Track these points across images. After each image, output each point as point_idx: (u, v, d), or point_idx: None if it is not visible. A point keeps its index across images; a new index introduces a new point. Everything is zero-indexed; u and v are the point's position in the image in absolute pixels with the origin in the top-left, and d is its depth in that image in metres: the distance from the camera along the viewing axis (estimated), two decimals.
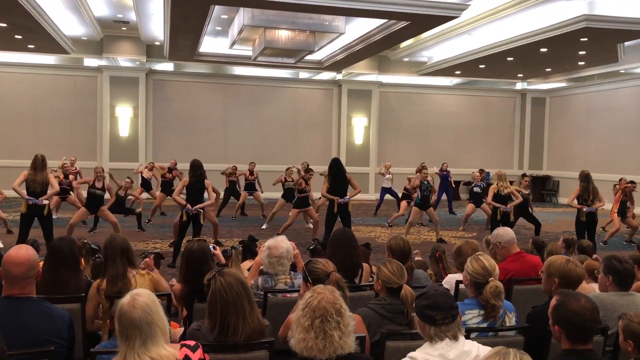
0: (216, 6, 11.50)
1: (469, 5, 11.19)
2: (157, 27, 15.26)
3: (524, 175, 14.36)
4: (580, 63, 16.32)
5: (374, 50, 15.00)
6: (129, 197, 12.73)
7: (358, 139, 20.32)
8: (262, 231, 12.03)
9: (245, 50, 15.74)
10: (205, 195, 8.93)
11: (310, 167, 13.23)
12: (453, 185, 16.77)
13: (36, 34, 13.71)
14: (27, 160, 8.48)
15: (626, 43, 14.17)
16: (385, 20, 12.14)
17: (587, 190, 9.24)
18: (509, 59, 15.51)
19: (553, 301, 2.73)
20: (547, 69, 17.79)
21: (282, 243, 4.11)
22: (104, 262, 4.13)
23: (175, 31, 13.09)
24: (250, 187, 14.59)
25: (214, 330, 2.79)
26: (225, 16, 13.24)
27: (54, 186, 8.29)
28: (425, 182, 11.51)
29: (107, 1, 13.81)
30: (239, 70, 19.77)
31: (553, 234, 12.33)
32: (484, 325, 3.28)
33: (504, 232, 4.82)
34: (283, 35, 13.10)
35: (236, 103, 19.69)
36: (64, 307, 3.32)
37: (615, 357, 3.32)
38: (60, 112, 18.37)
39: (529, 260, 4.72)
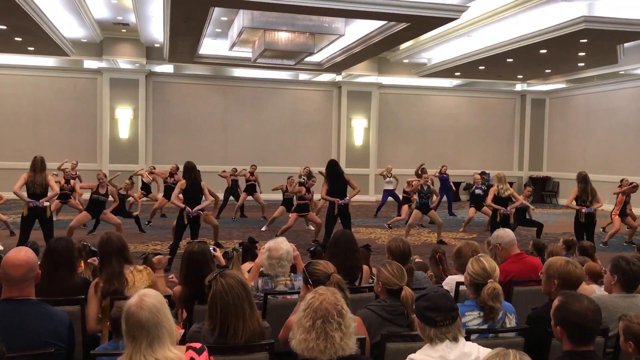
0: (216, 8, 11.52)
1: (469, 6, 11.19)
2: (156, 29, 15.27)
3: (526, 185, 14.37)
4: (580, 64, 16.34)
5: (374, 51, 15.01)
6: (129, 198, 12.71)
7: (358, 140, 20.32)
8: (262, 233, 12.03)
9: (245, 52, 15.76)
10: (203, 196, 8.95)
11: (311, 172, 13.21)
12: (453, 188, 16.76)
13: (36, 36, 13.72)
14: (27, 162, 8.47)
15: (626, 44, 14.19)
16: (384, 22, 12.15)
17: (585, 191, 9.26)
18: (508, 60, 15.52)
19: (556, 302, 2.72)
20: (546, 70, 17.81)
21: (282, 245, 4.10)
22: (100, 262, 4.12)
23: (175, 33, 13.10)
24: (251, 188, 14.56)
25: (214, 332, 2.78)
26: (225, 18, 13.25)
27: (54, 188, 8.29)
28: (425, 188, 11.49)
29: (107, 3, 13.82)
30: (238, 72, 19.77)
31: (553, 235, 12.32)
32: (484, 326, 3.27)
33: (504, 234, 4.82)
34: (283, 37, 13.11)
35: (236, 105, 19.69)
36: (63, 309, 3.31)
37: (615, 359, 3.31)
38: (60, 114, 18.37)
39: (529, 262, 4.72)
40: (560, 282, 3.44)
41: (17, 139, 17.72)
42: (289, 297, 3.93)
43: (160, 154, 18.63)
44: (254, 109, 19.80)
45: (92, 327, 3.80)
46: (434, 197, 11.71)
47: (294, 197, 12.01)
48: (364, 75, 19.67)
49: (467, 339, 2.83)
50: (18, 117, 18.03)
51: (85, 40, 17.13)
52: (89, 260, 5.11)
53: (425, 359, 2.56)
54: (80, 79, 18.70)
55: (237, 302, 2.75)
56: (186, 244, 4.58)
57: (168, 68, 19.31)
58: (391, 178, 15.49)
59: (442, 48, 16.31)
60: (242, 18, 12.07)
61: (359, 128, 20.30)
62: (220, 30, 14.44)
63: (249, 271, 4.66)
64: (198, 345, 2.44)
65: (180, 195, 8.79)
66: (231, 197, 14.86)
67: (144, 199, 14.47)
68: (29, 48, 15.41)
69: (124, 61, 18.22)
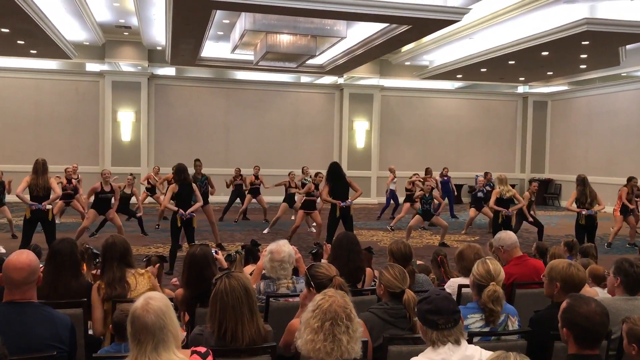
0: (218, 11, 11.54)
1: (470, 9, 11.20)
2: (158, 32, 15.30)
3: (532, 180, 14.37)
4: (581, 66, 16.33)
5: (376, 54, 15.02)
6: (132, 195, 12.61)
7: (360, 142, 20.32)
8: (264, 235, 12.02)
9: (247, 55, 15.78)
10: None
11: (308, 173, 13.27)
12: (455, 191, 16.68)
13: (38, 39, 13.76)
14: (29, 165, 8.48)
15: (628, 46, 14.18)
16: (386, 25, 12.16)
17: (584, 194, 9.28)
18: (510, 62, 15.52)
19: (563, 304, 2.72)
20: (548, 73, 17.80)
21: (284, 247, 4.10)
22: (102, 265, 4.11)
23: (177, 36, 13.12)
24: (255, 191, 14.45)
25: (215, 335, 2.78)
26: (227, 21, 13.27)
27: (56, 190, 8.31)
28: (427, 195, 11.46)
29: (109, 6, 13.85)
30: (240, 75, 19.81)
31: (555, 237, 12.30)
32: (487, 329, 3.27)
33: (507, 236, 4.81)
34: (284, 39, 13.12)
35: (238, 107, 19.71)
36: (65, 311, 3.31)
37: None
38: (63, 117, 18.40)
39: (532, 264, 4.71)
40: (563, 284, 3.43)
41: (20, 141, 17.75)
42: (291, 299, 3.92)
43: (162, 157, 18.64)
44: (256, 112, 19.81)
45: (100, 330, 3.80)
46: (435, 201, 11.67)
47: (296, 194, 12.08)
48: (365, 77, 19.68)
49: (470, 341, 2.83)
50: (20, 120, 18.06)
51: (88, 43, 17.17)
52: (92, 272, 5.09)
53: None
54: (82, 81, 18.73)
55: (235, 305, 2.75)
56: (188, 247, 4.58)
57: (170, 71, 19.35)
58: (395, 180, 15.48)
59: (443, 50, 16.32)
60: (244, 21, 12.09)
61: (361, 130, 20.30)
62: (222, 33, 14.46)
63: (251, 274, 4.65)
64: (203, 349, 2.44)
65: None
66: (237, 199, 14.82)
67: (148, 200, 14.45)
68: (32, 51, 15.45)
69: (126, 64, 18.26)
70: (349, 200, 9.40)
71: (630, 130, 17.76)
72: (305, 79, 20.52)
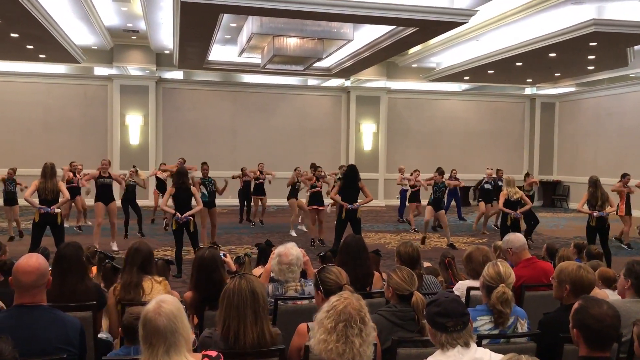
0: (225, 14, 11.56)
1: (477, 11, 11.17)
2: (166, 35, 15.36)
3: (528, 174, 14.34)
4: (589, 67, 16.26)
5: (382, 56, 15.01)
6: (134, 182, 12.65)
7: (367, 145, 20.31)
8: (276, 238, 11.97)
9: (254, 58, 15.81)
10: (194, 202, 8.95)
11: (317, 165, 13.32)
12: (459, 192, 16.63)
13: (47, 44, 13.85)
14: (39, 168, 8.53)
15: (636, 47, 14.10)
16: (393, 27, 12.16)
17: (595, 196, 9.21)
18: (517, 64, 15.48)
19: (575, 305, 2.71)
20: (556, 74, 17.74)
21: (292, 250, 4.11)
22: (122, 267, 4.16)
23: (185, 40, 13.16)
24: (259, 190, 14.24)
25: (226, 339, 2.79)
26: (234, 24, 13.30)
27: (65, 194, 8.34)
28: (440, 183, 11.78)
29: (117, 10, 13.92)
30: (247, 78, 19.84)
31: (564, 239, 12.24)
32: (496, 331, 3.26)
33: (515, 238, 4.79)
34: (291, 42, 13.14)
35: (245, 110, 19.75)
36: (75, 314, 3.33)
37: None
38: (71, 120, 18.49)
39: (541, 267, 4.70)
40: (572, 287, 3.41)
41: (29, 145, 17.85)
42: (299, 302, 3.92)
43: (170, 160, 18.62)
44: (262, 115, 19.84)
45: (116, 332, 3.83)
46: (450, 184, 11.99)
47: (306, 189, 12.28)
48: (372, 80, 19.67)
49: (479, 344, 2.82)
50: (29, 124, 18.16)
51: (96, 48, 17.26)
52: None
53: None
54: (90, 85, 18.83)
55: (240, 306, 2.77)
56: (196, 250, 4.59)
57: (178, 74, 19.41)
58: (405, 180, 15.42)
59: (450, 52, 16.29)
60: (251, 24, 12.12)
61: (368, 133, 20.29)
62: (229, 36, 14.50)
63: (259, 276, 4.66)
64: (214, 353, 2.44)
65: (171, 202, 8.75)
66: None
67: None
68: (41, 55, 15.55)
69: (134, 68, 18.34)
70: (357, 203, 9.39)
71: (639, 131, 17.66)
72: (312, 81, 20.53)
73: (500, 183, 13.45)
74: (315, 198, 11.83)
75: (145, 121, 18.72)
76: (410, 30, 11.75)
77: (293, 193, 12.96)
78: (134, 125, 18.65)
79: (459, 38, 14.45)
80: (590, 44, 12.70)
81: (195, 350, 2.40)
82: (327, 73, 17.66)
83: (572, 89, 20.51)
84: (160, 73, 18.91)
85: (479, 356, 2.59)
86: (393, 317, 3.29)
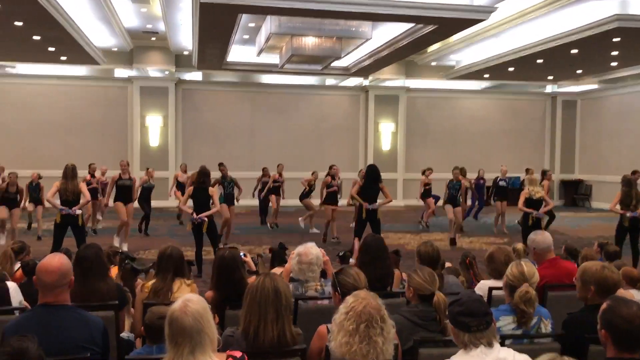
0: (243, 15, 11.60)
1: (497, 7, 11.07)
2: (185, 37, 15.46)
3: (544, 172, 14.25)
4: (612, 64, 16.02)
5: (401, 55, 14.95)
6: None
7: (385, 144, 20.24)
8: (296, 238, 11.97)
9: (273, 58, 15.84)
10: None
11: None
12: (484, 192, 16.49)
13: (68, 46, 14.02)
14: (60, 170, 8.62)
15: None
16: (412, 25, 12.09)
17: (629, 195, 8.98)
18: (538, 61, 15.31)
19: (603, 305, 2.67)
20: (578, 71, 17.50)
21: (311, 249, 4.11)
22: (155, 272, 4.18)
23: (204, 41, 13.24)
24: (275, 191, 14.17)
25: (246, 336, 2.81)
26: (253, 24, 13.34)
27: (86, 195, 8.43)
28: (454, 181, 12.01)
29: (137, 12, 14.04)
30: (266, 79, 19.89)
31: (587, 239, 12.07)
32: (519, 331, 3.22)
33: (541, 238, 4.71)
34: (310, 42, 13.14)
35: (263, 111, 19.80)
36: (97, 314, 3.35)
37: None
38: (92, 122, 18.70)
39: (564, 267, 4.63)
40: (597, 287, 3.36)
41: (50, 147, 18.08)
42: (319, 302, 3.91)
43: (189, 161, 18.75)
44: (281, 115, 19.87)
45: (139, 330, 3.87)
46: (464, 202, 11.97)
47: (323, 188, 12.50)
48: (391, 78, 19.60)
49: (502, 344, 2.78)
50: (51, 126, 18.41)
51: (116, 49, 17.44)
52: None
53: None
54: (111, 87, 19.03)
55: (262, 303, 2.80)
56: (217, 250, 4.62)
57: (197, 75, 19.53)
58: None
59: (470, 50, 16.17)
60: (269, 24, 12.14)
61: (387, 132, 20.22)
62: (247, 36, 14.54)
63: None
64: (238, 354, 2.44)
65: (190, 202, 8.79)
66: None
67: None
68: (62, 58, 15.74)
69: (154, 69, 18.49)
70: (376, 203, 9.35)
71: None
72: (330, 81, 20.51)
73: (509, 180, 13.63)
74: (331, 198, 12.21)
75: (165, 122, 18.87)
76: (429, 28, 11.68)
77: (307, 195, 13.29)
78: (154, 126, 18.80)
79: (479, 35, 14.33)
80: (614, 39, 12.51)
81: (219, 351, 2.40)
82: (346, 72, 17.64)
83: (595, 86, 20.23)
84: (180, 74, 19.04)
85: (503, 356, 2.57)
86: (414, 317, 3.27)
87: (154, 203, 13.74)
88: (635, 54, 14.31)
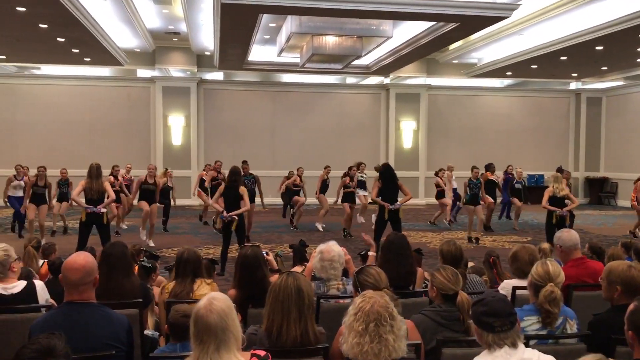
0: (264, 15, 11.63)
1: (520, 4, 10.95)
2: (207, 37, 15.55)
3: (560, 169, 14.09)
4: (638, 60, 15.73)
5: (422, 53, 14.85)
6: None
7: (407, 143, 20.15)
8: (317, 236, 12.01)
9: (293, 58, 15.86)
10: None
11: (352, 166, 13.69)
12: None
13: (92, 47, 14.20)
14: (84, 169, 8.74)
15: None
16: (433, 23, 12.01)
17: None
18: (562, 58, 15.10)
19: (631, 306, 2.62)
20: (603, 68, 17.23)
21: (333, 247, 4.12)
22: (174, 276, 4.22)
23: (225, 41, 13.30)
24: (296, 194, 14.09)
25: (269, 335, 2.82)
26: (273, 24, 13.37)
27: (111, 194, 8.52)
28: (475, 180, 12.16)
29: (159, 13, 14.17)
30: (286, 78, 19.94)
31: (612, 237, 11.90)
32: (544, 332, 3.18)
33: (568, 236, 4.62)
34: (330, 41, 13.14)
35: (284, 110, 19.85)
36: (122, 312, 3.39)
37: None
38: (115, 122, 18.94)
39: (591, 267, 4.53)
40: (624, 287, 3.29)
41: (75, 146, 18.35)
42: (341, 301, 3.91)
43: (211, 160, 18.77)
44: (301, 114, 19.91)
45: (164, 330, 3.91)
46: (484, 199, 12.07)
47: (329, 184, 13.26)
48: (412, 77, 19.50)
49: (526, 344, 2.75)
50: (75, 126, 18.68)
51: (138, 50, 17.61)
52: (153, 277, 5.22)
53: None
54: (134, 87, 19.24)
55: (284, 302, 2.82)
56: (239, 248, 4.64)
57: (218, 75, 19.64)
58: (454, 179, 15.16)
59: (492, 47, 16.01)
60: (290, 24, 12.16)
61: (408, 130, 20.13)
62: (268, 36, 14.58)
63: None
64: (262, 353, 2.45)
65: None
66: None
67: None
68: (85, 59, 15.95)
69: (176, 69, 18.64)
70: (398, 203, 9.30)
71: None
72: (350, 79, 20.48)
73: (524, 182, 13.79)
74: (349, 197, 12.78)
75: (187, 122, 19.02)
76: (451, 26, 11.59)
77: (323, 190, 13.50)
78: (176, 126, 18.96)
79: (501, 33, 14.19)
80: None
81: (243, 349, 2.41)
82: (366, 71, 17.59)
83: (620, 82, 19.89)
84: (201, 74, 19.17)
85: (528, 357, 2.54)
86: (437, 317, 3.24)
87: (177, 202, 13.91)
88: None
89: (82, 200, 8.35)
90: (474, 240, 11.91)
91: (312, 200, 14.94)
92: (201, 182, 14.38)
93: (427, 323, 3.23)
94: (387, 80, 19.87)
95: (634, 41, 12.91)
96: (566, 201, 9.50)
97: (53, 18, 11.26)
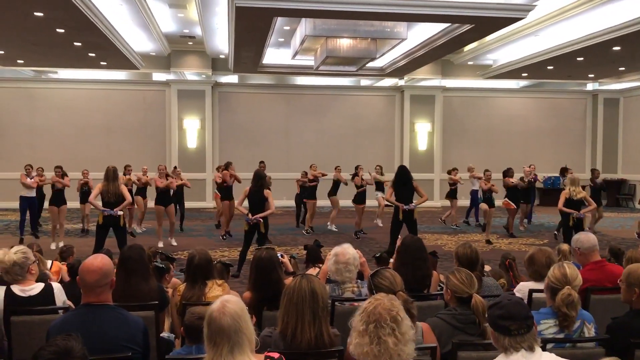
0: (279, 18, 11.67)
1: (535, 5, 10.87)
2: (221, 40, 15.64)
3: (594, 170, 13.93)
4: None
5: (437, 54, 14.80)
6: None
7: (422, 145, 20.08)
8: (332, 239, 12.01)
9: (307, 60, 15.89)
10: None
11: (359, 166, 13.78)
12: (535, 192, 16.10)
13: (108, 52, 14.33)
14: (101, 172, 8.81)
15: None
16: (448, 25, 11.96)
17: None
18: (578, 59, 14.96)
19: None
20: (620, 68, 17.05)
21: (348, 250, 4.11)
22: (185, 279, 4.25)
23: (240, 44, 13.36)
24: (312, 194, 13.90)
25: (284, 337, 2.82)
26: (288, 27, 13.41)
27: (127, 197, 8.58)
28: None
29: (174, 17, 14.27)
30: (301, 80, 19.97)
31: (630, 240, 11.75)
32: (561, 335, 3.14)
33: (585, 238, 4.56)
34: (344, 43, 13.14)
35: (298, 112, 19.88)
36: (138, 314, 3.41)
37: None
38: (131, 125, 19.08)
39: (610, 270, 4.45)
40: None
41: (91, 150, 18.52)
42: (356, 304, 3.90)
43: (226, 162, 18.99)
44: (316, 116, 19.92)
45: (179, 333, 3.93)
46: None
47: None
48: (427, 78, 19.44)
49: (543, 348, 2.73)
50: (91, 129, 18.86)
51: (154, 54, 17.75)
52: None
53: None
54: (149, 91, 19.38)
55: (299, 304, 2.82)
56: (254, 250, 4.63)
57: (233, 78, 19.74)
58: (475, 179, 15.01)
59: (508, 49, 15.92)
60: (304, 27, 12.18)
61: (423, 132, 20.06)
62: (282, 39, 14.62)
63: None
64: (276, 355, 2.46)
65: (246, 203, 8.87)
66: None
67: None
68: (102, 63, 16.11)
69: (191, 73, 18.76)
70: (413, 204, 9.27)
71: None
72: (365, 82, 20.46)
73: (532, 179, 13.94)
74: (361, 198, 13.08)
75: (202, 125, 19.12)
76: (466, 27, 11.54)
77: (334, 191, 13.67)
78: (191, 129, 19.07)
79: (517, 34, 14.10)
80: None
81: (257, 351, 2.42)
82: (381, 73, 17.57)
83: (638, 83, 19.66)
84: (216, 77, 19.27)
85: None
86: (453, 320, 3.22)
87: (192, 204, 14.02)
88: None
89: (99, 203, 8.42)
90: (488, 242, 12.05)
91: (324, 202, 14.94)
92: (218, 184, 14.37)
93: (442, 326, 3.21)
94: (401, 82, 19.83)
95: None
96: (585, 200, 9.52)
97: (70, 23, 11.38)
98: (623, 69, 17.12)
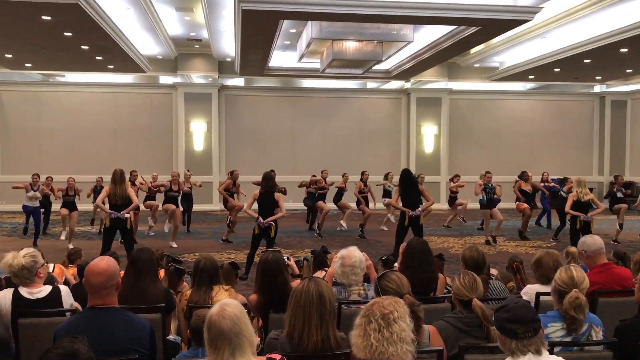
0: (285, 21, 11.68)
1: (542, 7, 10.83)
2: (228, 43, 15.67)
3: (616, 176, 13.92)
4: None
5: (443, 57, 14.78)
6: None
7: (428, 147, 20.05)
8: (339, 242, 11.98)
9: (314, 63, 15.90)
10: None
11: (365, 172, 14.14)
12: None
13: (115, 55, 14.40)
14: (108, 175, 8.85)
15: None
16: (454, 27, 11.95)
17: None
18: (585, 61, 14.91)
19: None
20: (627, 70, 16.97)
21: (354, 253, 4.11)
22: (191, 284, 4.26)
23: (246, 47, 13.39)
24: (322, 198, 13.85)
25: (290, 340, 2.82)
26: (294, 30, 13.43)
27: (134, 200, 8.61)
28: (490, 185, 12.26)
29: (181, 20, 14.31)
30: (307, 83, 19.99)
31: (638, 243, 11.68)
32: (568, 339, 3.13)
33: (592, 241, 4.55)
34: (351, 46, 13.14)
35: (304, 115, 19.89)
36: (144, 316, 3.42)
37: None
38: (138, 128, 19.15)
39: (617, 273, 4.45)
40: None
41: (98, 152, 18.60)
42: (362, 306, 3.89)
43: (233, 165, 18.94)
44: (322, 119, 19.92)
45: (186, 336, 3.95)
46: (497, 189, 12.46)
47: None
48: (433, 81, 19.41)
49: (551, 351, 2.71)
50: (99, 132, 18.93)
51: (161, 57, 17.81)
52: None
53: None
54: (156, 94, 19.44)
55: (306, 307, 2.82)
56: (261, 253, 4.64)
57: (239, 81, 19.77)
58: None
59: (514, 51, 15.88)
60: (310, 29, 12.20)
61: (429, 135, 20.03)
62: (289, 42, 14.64)
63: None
64: (277, 357, 2.46)
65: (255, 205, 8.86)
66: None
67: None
68: (109, 66, 16.17)
69: (198, 76, 18.81)
70: (419, 209, 9.22)
71: None
72: (371, 84, 20.44)
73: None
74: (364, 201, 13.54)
75: (209, 128, 19.16)
76: (472, 29, 11.51)
77: (339, 197, 13.82)
78: (198, 131, 19.12)
79: (523, 36, 14.06)
80: None
81: (259, 353, 2.43)
82: (387, 75, 17.56)
83: None
84: (223, 80, 19.31)
85: None
86: (459, 323, 3.22)
87: (199, 207, 14.05)
88: None
89: (106, 207, 8.45)
90: (492, 240, 12.09)
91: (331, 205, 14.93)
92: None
93: (448, 329, 3.20)
94: (407, 85, 19.81)
95: None
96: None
97: (77, 26, 11.44)
98: (630, 71, 17.04)
